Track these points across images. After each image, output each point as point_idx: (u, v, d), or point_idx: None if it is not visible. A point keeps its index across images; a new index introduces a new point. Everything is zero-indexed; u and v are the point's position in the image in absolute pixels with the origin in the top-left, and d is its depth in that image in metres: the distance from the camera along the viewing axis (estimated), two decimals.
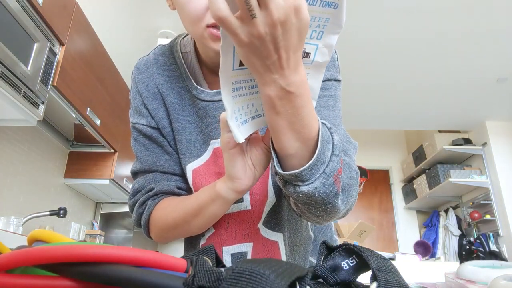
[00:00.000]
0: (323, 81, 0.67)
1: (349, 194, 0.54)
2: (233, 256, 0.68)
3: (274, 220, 0.69)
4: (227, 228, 0.68)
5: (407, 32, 2.97)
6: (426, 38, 3.03)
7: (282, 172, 0.47)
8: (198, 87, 0.71)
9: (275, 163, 0.49)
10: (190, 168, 0.71)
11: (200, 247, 0.72)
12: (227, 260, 0.68)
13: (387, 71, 3.51)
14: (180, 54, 0.73)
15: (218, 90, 0.69)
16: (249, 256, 0.68)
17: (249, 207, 0.69)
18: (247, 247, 0.68)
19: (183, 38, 0.76)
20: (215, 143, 0.70)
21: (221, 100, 0.69)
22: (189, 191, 0.74)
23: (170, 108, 0.72)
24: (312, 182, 0.47)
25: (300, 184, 0.47)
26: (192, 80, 0.71)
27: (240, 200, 0.69)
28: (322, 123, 0.49)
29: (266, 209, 0.69)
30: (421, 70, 3.47)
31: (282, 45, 0.40)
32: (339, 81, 0.71)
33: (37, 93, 1.73)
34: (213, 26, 0.58)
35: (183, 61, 0.73)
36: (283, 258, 0.69)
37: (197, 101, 0.70)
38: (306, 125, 0.46)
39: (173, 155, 0.74)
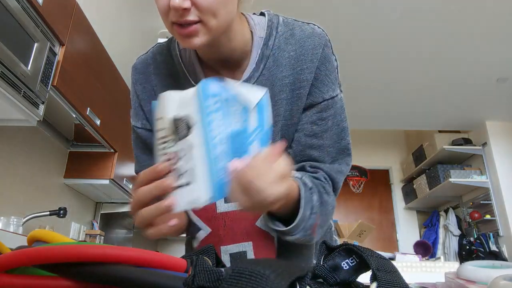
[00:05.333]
0: (320, 102, 0.68)
1: (324, 225, 0.66)
2: (232, 256, 0.67)
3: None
4: (224, 227, 0.68)
5: (407, 32, 2.97)
6: (426, 38, 3.03)
7: (275, 229, 0.60)
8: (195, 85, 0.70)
9: (268, 221, 0.61)
10: None
11: (195, 248, 0.72)
12: (225, 260, 0.67)
13: (387, 71, 3.50)
14: (178, 52, 0.72)
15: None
16: (249, 256, 0.68)
17: None
18: (246, 247, 0.68)
19: None
20: None
21: None
22: None
23: None
24: (295, 234, 0.59)
25: (286, 235, 0.60)
26: (190, 78, 0.70)
27: None
28: (303, 183, 0.60)
29: None
30: (421, 70, 3.47)
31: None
32: (336, 95, 0.70)
33: (37, 93, 1.73)
34: (177, 23, 0.57)
35: (180, 59, 0.72)
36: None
37: None
38: (291, 200, 0.58)
39: None
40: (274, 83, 0.68)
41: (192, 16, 0.56)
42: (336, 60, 0.71)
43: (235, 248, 0.68)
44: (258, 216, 0.69)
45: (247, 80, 0.68)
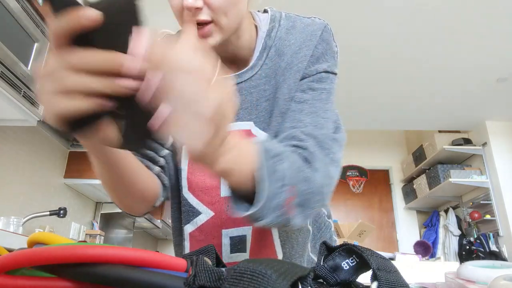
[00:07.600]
0: (319, 72, 0.67)
1: (307, 207, 0.55)
2: (232, 239, 0.69)
3: None
4: (226, 211, 0.69)
5: (407, 32, 2.97)
6: (426, 38, 3.03)
7: (241, 215, 0.50)
8: None
9: (233, 206, 0.51)
10: None
11: (189, 233, 0.72)
12: (225, 243, 0.69)
13: (387, 71, 3.50)
14: None
15: (227, 76, 0.71)
16: (248, 240, 0.69)
17: None
18: (246, 231, 0.69)
19: None
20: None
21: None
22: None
23: None
24: (264, 217, 0.50)
25: (255, 221, 0.50)
26: None
27: None
28: (265, 150, 0.50)
29: None
30: (421, 70, 3.47)
31: None
32: (335, 74, 0.71)
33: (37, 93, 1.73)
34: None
35: None
36: (277, 244, 0.70)
37: None
38: (245, 165, 0.48)
39: None
40: (277, 72, 0.69)
41: (204, 16, 0.58)
42: (336, 46, 0.71)
43: (235, 232, 0.69)
44: None
45: (251, 68, 0.70)
